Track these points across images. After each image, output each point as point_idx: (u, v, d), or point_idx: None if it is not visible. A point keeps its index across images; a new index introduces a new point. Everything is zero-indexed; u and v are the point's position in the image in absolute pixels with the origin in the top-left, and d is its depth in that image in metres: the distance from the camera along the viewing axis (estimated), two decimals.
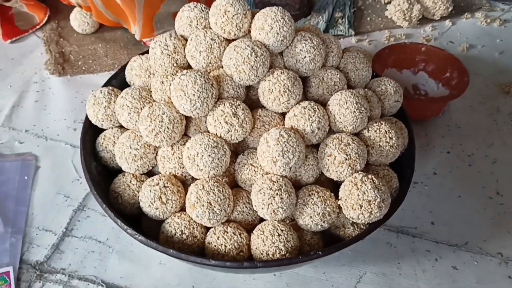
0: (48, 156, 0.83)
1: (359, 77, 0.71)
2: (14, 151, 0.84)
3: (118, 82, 0.76)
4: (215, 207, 0.58)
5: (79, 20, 1.04)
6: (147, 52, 0.75)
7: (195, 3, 0.69)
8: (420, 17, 1.11)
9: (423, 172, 0.83)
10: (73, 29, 1.07)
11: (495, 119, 0.93)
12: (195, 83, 0.59)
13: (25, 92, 0.95)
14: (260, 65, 0.61)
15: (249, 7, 0.65)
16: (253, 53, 0.61)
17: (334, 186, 0.64)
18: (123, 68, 0.76)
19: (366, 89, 0.69)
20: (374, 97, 0.68)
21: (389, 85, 0.71)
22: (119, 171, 0.67)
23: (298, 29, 0.73)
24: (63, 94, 0.94)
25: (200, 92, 0.59)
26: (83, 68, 0.99)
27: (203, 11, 0.68)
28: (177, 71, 0.65)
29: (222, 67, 0.64)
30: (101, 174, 0.67)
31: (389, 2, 1.17)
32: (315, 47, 0.64)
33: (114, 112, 0.67)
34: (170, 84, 0.63)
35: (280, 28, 0.62)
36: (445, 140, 0.89)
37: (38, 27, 1.07)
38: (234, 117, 0.61)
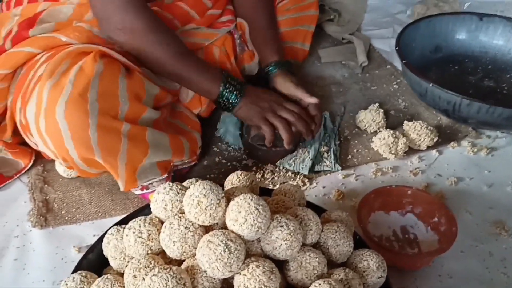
0: None
1: (339, 253, 0.69)
2: None
3: (96, 255, 0.75)
4: None
5: (64, 166, 1.04)
6: (127, 219, 0.73)
7: (170, 183, 0.69)
8: (406, 149, 1.11)
9: None
10: (58, 173, 1.07)
11: (487, 266, 0.90)
12: (166, 286, 0.58)
13: (5, 249, 0.93)
14: (234, 261, 0.60)
15: (223, 194, 0.64)
16: (227, 250, 0.60)
17: None
18: (100, 239, 0.75)
19: (347, 269, 0.67)
20: (355, 279, 0.66)
21: (372, 260, 0.69)
22: None
23: (276, 200, 0.73)
24: (44, 249, 0.93)
25: None
26: (66, 218, 0.99)
27: (178, 193, 0.68)
28: (150, 262, 0.64)
29: None
30: None
31: (375, 132, 1.17)
32: (291, 234, 0.63)
33: None
34: (143, 278, 0.62)
35: (254, 220, 0.62)
36: None
37: (23, 172, 1.08)
38: None
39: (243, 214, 0.62)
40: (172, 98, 1.08)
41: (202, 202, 0.63)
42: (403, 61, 1.19)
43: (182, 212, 0.67)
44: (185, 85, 1.07)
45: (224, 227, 0.66)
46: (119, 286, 0.64)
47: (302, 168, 1.07)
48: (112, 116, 0.89)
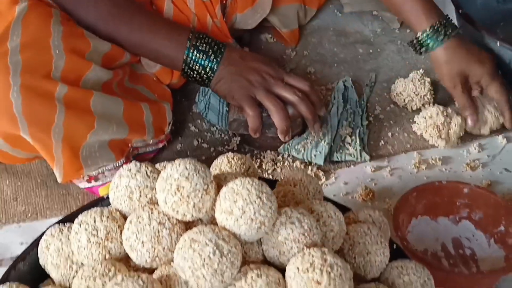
0: None
1: (371, 264, 0.72)
2: None
3: (28, 265, 0.77)
4: None
5: None
6: (73, 217, 0.76)
7: (138, 164, 0.72)
8: (462, 134, 1.15)
9: None
10: None
11: None
12: None
13: None
14: (227, 268, 0.63)
15: (212, 178, 0.67)
16: (217, 251, 0.62)
17: None
18: (36, 242, 0.78)
19: (380, 286, 0.70)
20: None
21: (414, 274, 0.72)
22: None
23: (283, 191, 0.76)
24: None
25: None
26: None
27: (149, 177, 0.71)
28: (110, 270, 0.67)
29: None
30: None
31: (419, 110, 1.21)
32: (305, 234, 0.66)
33: None
34: None
35: (255, 212, 0.64)
36: None
37: None
38: None
39: (240, 204, 0.64)
40: (131, 58, 1.11)
41: (184, 187, 0.65)
42: (460, 11, 1.23)
43: (154, 202, 0.70)
44: (136, 52, 1.10)
45: (212, 223, 0.69)
46: None
47: (315, 156, 1.11)
48: (43, 74, 0.91)
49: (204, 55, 1.05)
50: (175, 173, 0.66)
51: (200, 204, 0.66)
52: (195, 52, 1.05)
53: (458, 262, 0.96)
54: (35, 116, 0.90)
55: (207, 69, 1.06)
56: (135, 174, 0.71)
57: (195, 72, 1.07)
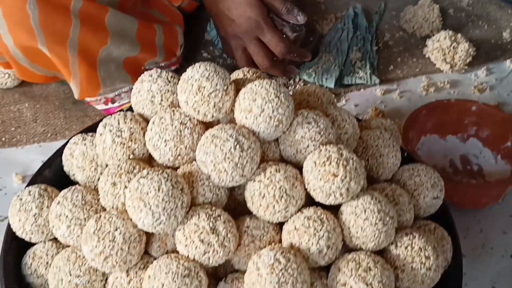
0: None
1: (383, 166, 0.76)
2: None
3: (53, 172, 0.81)
4: None
5: None
6: (93, 128, 0.79)
7: (158, 70, 0.75)
8: (468, 60, 1.17)
9: (478, 285, 0.87)
10: None
11: None
12: (159, 190, 0.64)
13: None
14: (247, 162, 0.66)
15: (231, 80, 0.70)
16: (238, 146, 0.65)
17: None
18: (60, 151, 0.81)
19: (393, 185, 0.73)
20: (404, 196, 0.72)
21: (425, 176, 0.76)
22: None
23: (298, 98, 0.78)
24: None
25: (165, 202, 0.64)
26: (3, 139, 1.05)
27: (169, 82, 0.73)
28: (134, 167, 0.70)
29: (196, 160, 0.69)
30: None
31: (428, 36, 1.23)
32: (321, 133, 0.69)
33: (48, 222, 0.71)
34: (125, 187, 0.68)
35: (273, 111, 0.67)
36: (508, 238, 0.93)
37: None
38: (213, 233, 0.65)
39: (259, 103, 0.67)
40: None
41: (204, 87, 0.68)
42: None
43: (175, 105, 0.73)
44: None
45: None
46: (92, 198, 0.70)
47: (326, 79, 1.14)
48: None
49: None
50: (196, 74, 0.69)
51: (220, 104, 0.69)
52: None
53: (466, 177, 0.99)
54: (51, 29, 0.92)
55: None
56: (156, 79, 0.73)
57: None
